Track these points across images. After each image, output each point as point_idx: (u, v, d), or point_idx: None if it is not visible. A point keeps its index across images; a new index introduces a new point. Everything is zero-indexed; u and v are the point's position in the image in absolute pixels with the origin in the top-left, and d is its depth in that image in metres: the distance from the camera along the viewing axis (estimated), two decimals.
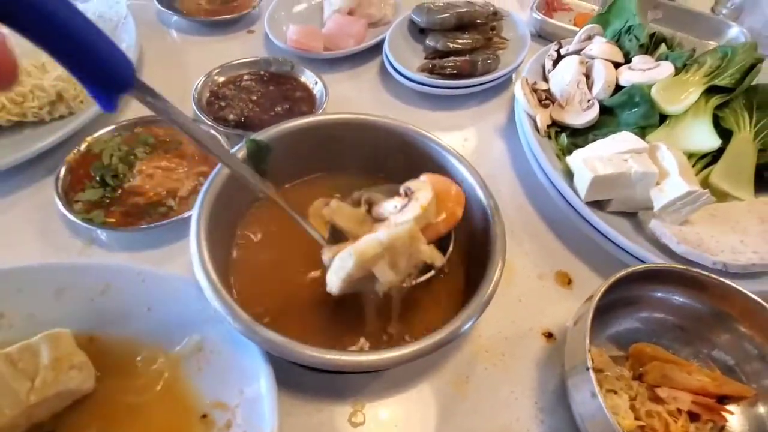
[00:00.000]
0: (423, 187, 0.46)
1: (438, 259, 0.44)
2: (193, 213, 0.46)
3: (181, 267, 0.53)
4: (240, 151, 0.53)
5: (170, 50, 0.85)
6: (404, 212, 0.45)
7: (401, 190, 0.48)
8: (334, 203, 0.47)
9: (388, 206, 0.47)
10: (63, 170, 0.56)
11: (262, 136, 0.54)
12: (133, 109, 0.69)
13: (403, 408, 0.46)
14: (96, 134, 0.61)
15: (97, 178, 0.56)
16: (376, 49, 0.85)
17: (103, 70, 0.28)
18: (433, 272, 0.45)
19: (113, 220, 0.54)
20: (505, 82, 0.82)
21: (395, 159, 0.58)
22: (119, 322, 0.45)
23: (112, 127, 0.62)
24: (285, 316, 0.48)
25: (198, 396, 0.42)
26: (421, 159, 0.57)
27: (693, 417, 0.45)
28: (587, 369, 0.39)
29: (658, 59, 0.70)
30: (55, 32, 0.26)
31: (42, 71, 0.63)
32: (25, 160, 0.58)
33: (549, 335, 0.52)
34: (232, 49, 0.85)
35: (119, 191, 0.56)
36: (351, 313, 0.47)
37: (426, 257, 0.43)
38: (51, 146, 0.59)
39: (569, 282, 0.57)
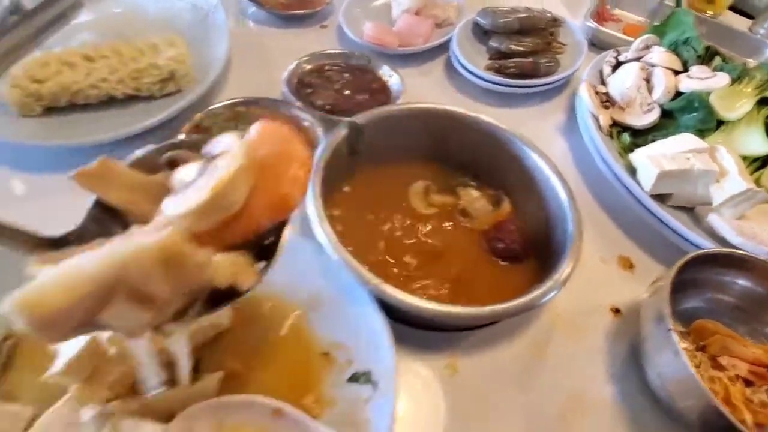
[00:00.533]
0: (232, 150, 0.30)
1: (246, 277, 0.29)
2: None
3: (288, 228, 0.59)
4: (340, 131, 0.59)
5: (252, 39, 0.91)
6: (184, 196, 0.28)
7: (204, 149, 0.32)
8: (109, 163, 0.31)
9: (185, 174, 0.31)
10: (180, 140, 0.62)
11: (358, 119, 0.61)
12: (228, 91, 0.76)
13: (490, 364, 0.52)
14: (203, 111, 0.67)
15: None
16: (441, 48, 0.91)
17: None
18: (235, 299, 0.31)
19: None
20: (563, 84, 0.88)
21: (479, 154, 0.65)
22: None
23: (217, 105, 0.68)
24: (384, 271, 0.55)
25: (318, 339, 0.48)
26: (501, 153, 0.63)
27: (747, 383, 0.50)
28: (668, 330, 0.44)
29: (714, 70, 0.76)
30: None
31: (155, 51, 0.69)
32: (143, 131, 0.64)
33: (616, 311, 0.58)
34: (307, 42, 0.91)
35: None
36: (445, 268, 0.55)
37: (216, 278, 0.28)
38: (166, 119, 0.65)
39: (631, 266, 0.63)
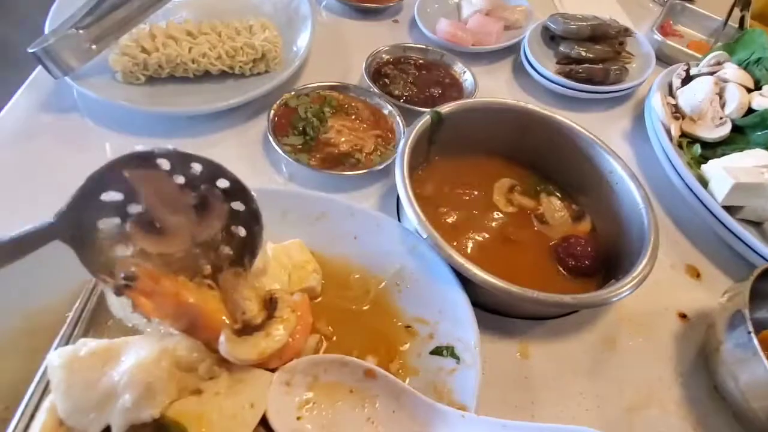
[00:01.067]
0: (289, 315, 0.42)
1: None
2: (397, 162, 0.55)
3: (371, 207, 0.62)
4: (423, 119, 0.62)
5: (329, 29, 0.95)
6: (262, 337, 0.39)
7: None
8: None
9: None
10: (271, 115, 0.66)
11: (442, 109, 0.63)
12: (308, 76, 0.79)
13: (560, 353, 0.54)
14: (292, 91, 0.70)
15: (300, 127, 0.65)
16: (509, 49, 0.93)
17: None
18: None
19: (314, 163, 0.63)
20: (630, 93, 0.89)
21: (554, 152, 0.66)
22: (332, 244, 0.54)
23: (303, 87, 0.72)
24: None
25: (401, 312, 0.51)
26: (573, 151, 0.65)
27: None
28: (749, 332, 0.45)
29: None
30: None
31: (249, 32, 0.73)
32: (237, 105, 0.68)
33: (683, 316, 0.59)
34: (379, 35, 0.94)
35: (316, 141, 0.65)
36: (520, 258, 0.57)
37: None
38: (258, 96, 0.69)
39: (698, 275, 0.64)
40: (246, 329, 0.40)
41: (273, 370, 0.42)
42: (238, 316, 0.41)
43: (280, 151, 0.62)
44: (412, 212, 0.52)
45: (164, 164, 0.39)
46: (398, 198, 0.59)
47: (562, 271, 0.59)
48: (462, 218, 0.61)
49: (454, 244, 0.59)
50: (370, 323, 0.50)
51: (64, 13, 0.68)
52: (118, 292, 0.37)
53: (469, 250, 0.59)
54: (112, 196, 0.38)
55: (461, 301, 0.49)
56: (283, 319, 0.42)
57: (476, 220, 0.61)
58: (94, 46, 0.64)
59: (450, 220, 0.61)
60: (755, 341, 0.45)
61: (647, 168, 0.76)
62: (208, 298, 0.41)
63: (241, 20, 0.74)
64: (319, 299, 0.51)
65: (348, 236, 0.55)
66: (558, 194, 0.66)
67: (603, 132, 0.83)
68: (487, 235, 0.60)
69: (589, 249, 0.59)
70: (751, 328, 0.46)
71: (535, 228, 0.63)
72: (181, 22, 0.71)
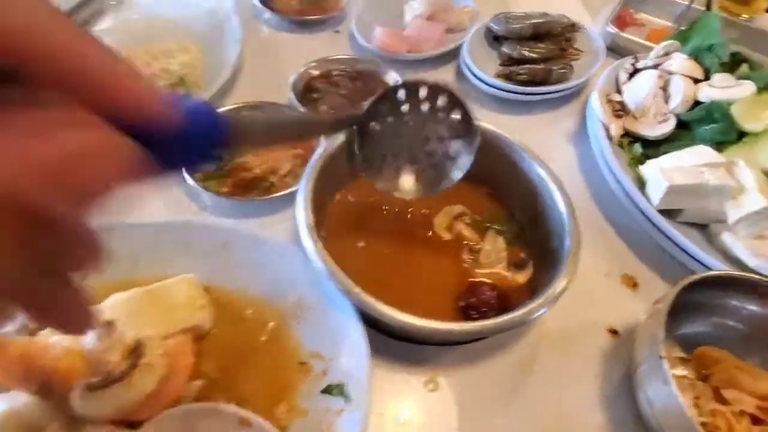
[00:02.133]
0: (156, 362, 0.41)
1: None
2: (300, 187, 0.52)
3: (279, 234, 0.59)
4: (339, 138, 0.59)
5: (265, 44, 0.93)
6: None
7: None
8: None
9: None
10: None
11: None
12: (237, 95, 0.77)
13: (473, 381, 0.50)
14: None
15: None
16: (453, 53, 0.90)
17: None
18: None
19: (225, 189, 0.61)
20: (577, 92, 0.85)
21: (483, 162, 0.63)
22: (232, 276, 0.52)
23: (226, 108, 0.70)
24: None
25: (298, 346, 0.48)
26: (501, 159, 0.61)
27: (756, 421, 0.47)
28: (660, 358, 0.42)
29: (739, 78, 0.71)
30: None
31: (168, 56, 0.71)
32: None
33: (614, 332, 0.55)
34: (320, 47, 0.91)
35: (231, 165, 0.63)
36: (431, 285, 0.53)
37: None
38: None
39: (635, 285, 0.60)
40: (106, 382, 0.38)
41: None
42: (99, 369, 0.39)
43: (188, 180, 0.60)
44: (308, 240, 0.49)
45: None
46: None
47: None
48: (383, 239, 0.58)
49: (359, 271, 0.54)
50: (263, 361, 0.47)
51: None
52: None
53: (376, 275, 0.55)
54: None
55: (356, 334, 0.46)
56: (150, 366, 0.40)
57: (401, 241, 0.58)
58: None
59: (363, 243, 0.58)
60: (665, 367, 0.41)
61: (588, 171, 0.72)
62: (67, 356, 0.39)
63: (161, 44, 0.72)
64: (212, 335, 0.49)
65: (250, 266, 0.52)
66: (508, 237, 0.60)
67: (547, 134, 0.80)
68: (403, 258, 0.57)
69: (493, 295, 0.53)
70: (662, 352, 0.42)
71: (464, 263, 0.57)
72: None
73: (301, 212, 0.51)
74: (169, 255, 0.51)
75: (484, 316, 0.50)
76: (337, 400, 0.43)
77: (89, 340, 0.40)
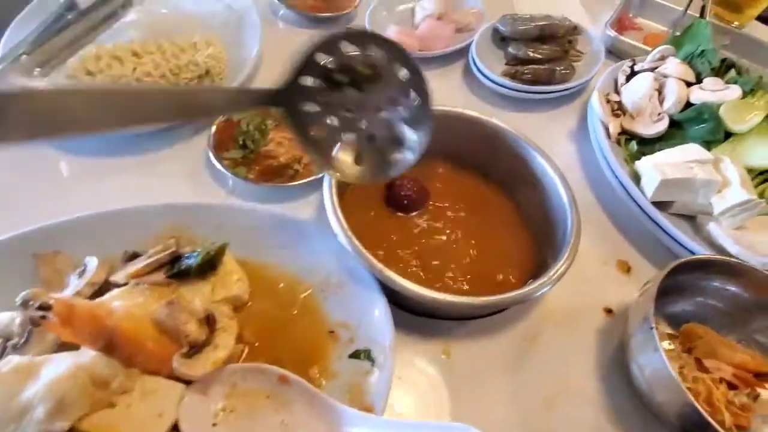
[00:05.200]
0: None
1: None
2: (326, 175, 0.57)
3: (306, 217, 0.64)
4: None
5: (281, 39, 0.97)
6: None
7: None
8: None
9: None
10: (213, 131, 0.68)
11: None
12: (258, 84, 0.81)
13: (482, 351, 0.56)
14: None
15: (240, 141, 0.68)
16: (461, 52, 0.95)
17: None
18: None
19: (252, 176, 0.65)
20: (578, 91, 0.90)
21: (484, 152, 0.68)
22: (265, 252, 0.56)
23: None
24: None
25: (326, 317, 0.53)
26: (507, 152, 0.66)
27: (731, 387, 0.53)
28: (651, 328, 0.47)
29: (728, 83, 0.77)
30: None
31: (194, 49, 0.75)
32: (181, 122, 0.70)
33: (609, 311, 0.61)
34: None
35: (256, 154, 0.68)
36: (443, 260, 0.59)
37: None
38: None
39: (629, 270, 0.66)
40: (194, 349, 0.44)
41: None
42: (183, 340, 0.44)
43: (218, 166, 0.64)
44: (335, 221, 0.54)
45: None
46: None
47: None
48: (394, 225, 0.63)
49: (380, 253, 0.60)
50: (295, 330, 0.52)
51: (17, 39, 0.71)
52: (34, 323, 0.40)
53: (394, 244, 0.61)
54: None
55: (380, 306, 0.52)
56: (225, 328, 0.45)
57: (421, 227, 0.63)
58: (38, 71, 0.67)
59: (383, 226, 0.63)
60: (656, 336, 0.47)
61: (588, 166, 0.78)
62: (130, 319, 0.44)
63: (185, 37, 0.76)
64: (248, 306, 0.53)
65: (279, 245, 0.57)
66: None
67: (550, 131, 0.85)
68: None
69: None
70: (653, 324, 0.47)
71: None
72: (127, 42, 0.74)
73: (328, 196, 0.56)
74: (204, 235, 0.56)
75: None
76: (364, 363, 0.49)
77: (159, 310, 0.45)
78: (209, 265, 0.49)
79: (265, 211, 0.59)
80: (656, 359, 0.47)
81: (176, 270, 0.48)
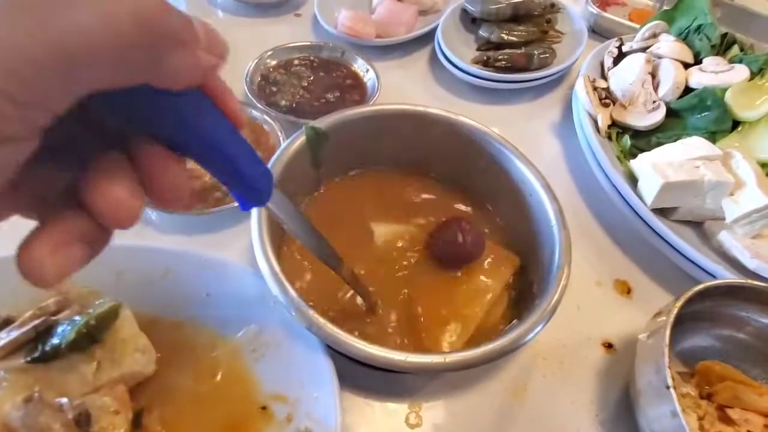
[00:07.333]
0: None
1: None
2: None
3: (236, 253, 0.52)
4: (299, 138, 0.52)
5: (220, 30, 0.83)
6: None
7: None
8: None
9: None
10: None
11: (321, 123, 0.53)
12: None
13: (459, 412, 0.45)
14: None
15: None
16: (426, 37, 0.83)
17: (244, 185, 0.24)
18: None
19: None
20: (561, 78, 0.79)
21: (450, 157, 0.57)
22: (178, 306, 0.45)
23: None
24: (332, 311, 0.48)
25: (257, 387, 0.42)
26: (480, 157, 0.55)
27: None
28: (667, 388, 0.37)
29: (731, 61, 0.66)
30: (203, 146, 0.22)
31: None
32: None
33: (609, 345, 0.51)
34: (280, 32, 0.83)
35: None
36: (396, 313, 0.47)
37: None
38: None
39: (629, 291, 0.55)
40: None
41: None
42: None
43: None
44: (264, 264, 0.42)
45: None
46: None
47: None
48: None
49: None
50: (217, 406, 0.41)
51: None
52: None
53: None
54: None
55: (325, 371, 0.40)
56: (106, 429, 0.34)
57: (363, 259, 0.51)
58: None
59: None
60: (675, 398, 0.37)
61: (575, 165, 0.67)
62: None
63: None
64: (155, 377, 0.42)
65: (199, 294, 0.45)
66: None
67: (529, 126, 0.74)
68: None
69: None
70: (670, 382, 0.37)
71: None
72: None
73: (256, 227, 0.44)
74: (101, 287, 0.43)
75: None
76: None
77: (10, 411, 0.32)
78: (87, 340, 0.37)
79: (177, 251, 0.46)
80: (675, 426, 0.36)
81: (39, 353, 0.35)
